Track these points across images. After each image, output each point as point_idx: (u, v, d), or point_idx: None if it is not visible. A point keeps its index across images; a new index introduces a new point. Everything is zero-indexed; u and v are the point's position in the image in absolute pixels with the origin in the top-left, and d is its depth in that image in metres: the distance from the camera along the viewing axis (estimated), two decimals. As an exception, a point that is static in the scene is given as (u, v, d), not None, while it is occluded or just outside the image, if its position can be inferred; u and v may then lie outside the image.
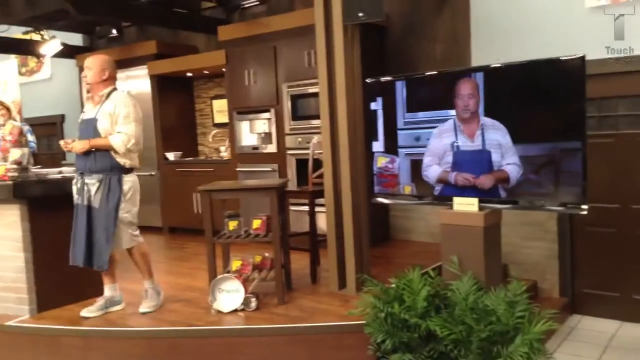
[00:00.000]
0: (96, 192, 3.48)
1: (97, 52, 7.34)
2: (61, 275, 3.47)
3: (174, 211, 6.47)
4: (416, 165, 3.53)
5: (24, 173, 3.78)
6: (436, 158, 3.35)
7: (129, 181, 3.60)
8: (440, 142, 3.32)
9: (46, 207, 3.63)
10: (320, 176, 4.09)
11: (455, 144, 3.26)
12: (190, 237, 6.08)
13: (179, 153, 6.58)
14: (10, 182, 3.64)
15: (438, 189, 3.38)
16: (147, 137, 6.62)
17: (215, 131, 6.71)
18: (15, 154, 3.87)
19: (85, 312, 3.59)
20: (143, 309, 3.64)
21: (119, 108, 3.53)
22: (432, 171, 3.38)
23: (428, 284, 3.00)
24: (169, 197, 6.51)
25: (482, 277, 3.05)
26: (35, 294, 3.71)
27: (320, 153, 4.03)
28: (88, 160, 3.49)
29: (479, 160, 3.19)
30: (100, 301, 3.66)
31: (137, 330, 3.43)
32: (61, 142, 3.53)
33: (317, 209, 4.22)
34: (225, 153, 6.31)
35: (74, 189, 3.56)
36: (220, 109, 6.70)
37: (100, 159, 3.49)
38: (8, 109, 5.05)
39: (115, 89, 3.63)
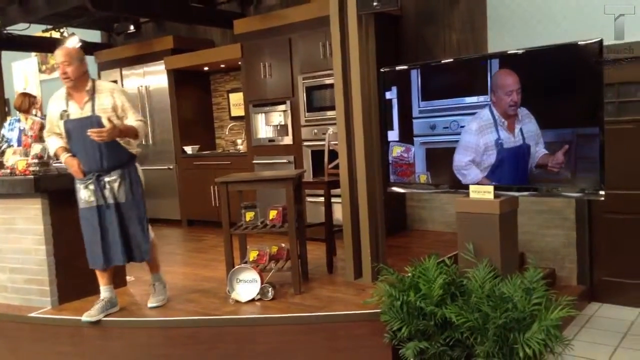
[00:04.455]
0: (119, 187, 3.40)
1: (115, 48, 7.45)
2: (82, 268, 3.52)
3: (192, 204, 6.54)
4: (432, 154, 3.51)
5: (44, 167, 3.83)
6: (472, 154, 3.25)
7: (141, 170, 3.58)
8: (479, 139, 3.19)
9: (67, 201, 3.68)
10: (336, 167, 4.10)
11: (500, 142, 3.14)
12: (208, 229, 6.15)
13: (197, 146, 6.63)
14: (32, 177, 3.71)
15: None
16: (165, 131, 6.76)
17: (231, 124, 6.75)
18: (37, 148, 3.93)
19: (86, 317, 3.46)
20: (152, 303, 3.63)
21: (119, 98, 3.39)
22: (472, 175, 3.26)
23: (444, 272, 2.99)
24: (187, 190, 6.58)
25: (498, 264, 3.03)
26: (56, 285, 3.78)
27: (336, 144, 4.03)
28: (102, 158, 3.34)
29: (520, 155, 3.07)
30: (99, 303, 3.52)
31: (156, 320, 3.48)
32: (93, 131, 3.17)
33: (333, 199, 4.23)
34: (241, 146, 6.35)
35: (86, 193, 3.39)
36: (236, 103, 6.74)
37: (114, 153, 3.37)
38: (30, 100, 5.10)
39: (93, 79, 3.44)
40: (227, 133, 6.77)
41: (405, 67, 3.61)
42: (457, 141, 3.33)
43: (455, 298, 2.89)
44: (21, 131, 4.58)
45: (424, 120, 3.54)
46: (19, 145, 4.30)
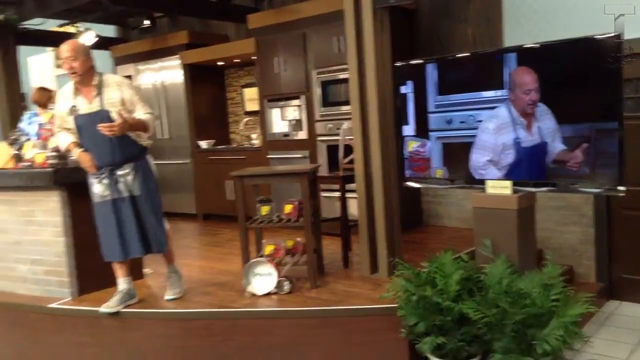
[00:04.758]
0: (134, 180, 3.41)
1: (130, 43, 7.48)
2: (100, 259, 3.56)
3: (208, 198, 6.58)
4: (448, 149, 3.50)
5: (63, 160, 3.87)
6: (490, 154, 3.22)
7: (153, 162, 3.60)
8: (497, 139, 3.17)
9: (85, 194, 3.70)
10: (351, 162, 4.10)
11: (518, 141, 3.11)
12: (224, 224, 6.18)
13: (212, 141, 6.66)
14: (50, 170, 3.76)
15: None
16: (180, 126, 6.80)
17: (246, 119, 6.77)
18: (55, 141, 3.97)
19: (104, 308, 3.50)
20: (169, 295, 3.66)
21: (127, 92, 3.38)
22: (490, 175, 3.24)
23: (461, 268, 2.99)
24: (202, 185, 6.62)
25: (515, 260, 3.02)
26: (75, 277, 3.83)
27: (351, 139, 4.03)
28: (114, 152, 3.34)
29: (538, 153, 3.05)
30: (117, 295, 3.56)
31: (173, 312, 3.52)
32: (104, 126, 3.18)
33: (348, 194, 4.23)
34: (256, 141, 6.36)
35: (100, 187, 3.41)
36: (251, 97, 6.75)
37: (126, 147, 3.37)
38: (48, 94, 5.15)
39: (100, 73, 3.43)
40: (241, 128, 6.79)
41: (421, 61, 3.60)
42: (473, 136, 3.32)
43: (472, 294, 2.89)
44: (40, 125, 4.62)
45: (439, 114, 3.53)
46: (37, 139, 4.35)
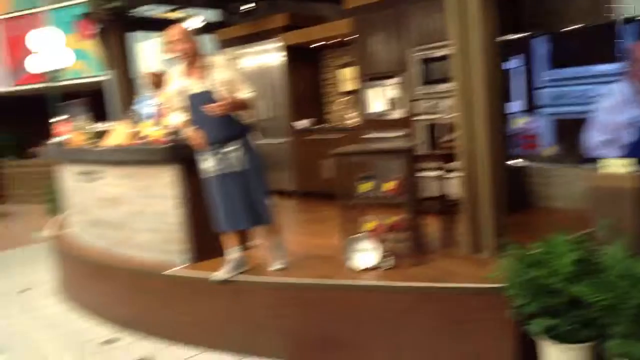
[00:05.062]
0: (239, 156, 3.60)
1: (232, 27, 7.76)
2: (213, 230, 3.79)
3: (304, 177, 6.74)
4: (559, 126, 3.36)
5: (177, 137, 4.13)
6: (608, 133, 3.07)
7: (258, 139, 3.73)
8: (615, 116, 3.01)
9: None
10: (451, 140, 4.03)
11: (638, 119, 2.94)
12: (321, 202, 6.29)
13: (309, 121, 6.80)
14: (167, 146, 4.03)
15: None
16: (279, 106, 6.99)
17: (343, 99, 6.83)
18: (171, 119, 4.23)
19: (215, 276, 3.72)
20: (274, 266, 3.81)
21: (231, 72, 3.56)
22: (606, 154, 3.08)
23: (574, 249, 2.87)
24: (299, 164, 6.78)
25: (634, 242, 2.86)
26: (190, 246, 4.10)
27: (451, 117, 3.96)
28: (222, 129, 3.53)
29: None
30: (228, 264, 3.76)
31: (279, 282, 3.67)
32: (209, 106, 3.39)
33: (447, 174, 4.18)
34: (353, 120, 6.41)
35: (209, 163, 3.62)
36: (348, 77, 6.80)
37: (231, 125, 3.55)
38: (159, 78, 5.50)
39: (207, 54, 3.60)
40: (338, 108, 6.87)
41: (528, 34, 3.45)
42: (587, 112, 3.15)
43: (586, 276, 2.77)
44: (153, 106, 4.96)
45: (549, 90, 3.39)
46: (152, 118, 4.66)
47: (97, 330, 4.49)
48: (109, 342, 4.22)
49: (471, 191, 3.76)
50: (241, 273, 3.78)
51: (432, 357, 3.26)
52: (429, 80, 5.24)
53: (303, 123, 6.79)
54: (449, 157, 4.04)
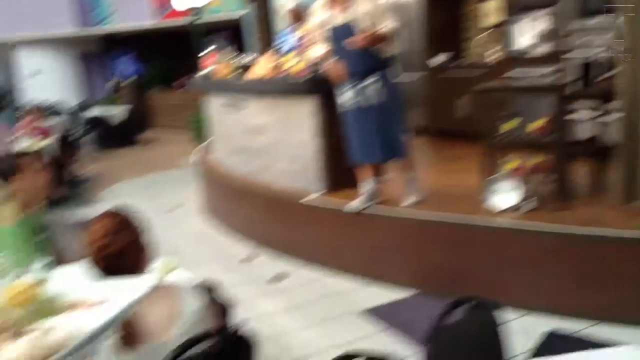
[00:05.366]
0: (378, 89, 3.58)
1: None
2: (348, 161, 3.89)
3: (440, 114, 6.52)
4: None
5: (318, 70, 4.20)
6: None
7: (398, 72, 3.69)
8: None
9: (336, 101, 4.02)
10: (608, 79, 3.67)
11: None
12: (457, 140, 6.05)
13: (445, 55, 6.53)
14: (307, 78, 4.13)
15: None
16: (414, 41, 6.77)
17: (484, 33, 6.44)
18: (312, 53, 4.31)
19: (349, 207, 3.84)
20: (407, 201, 3.80)
21: (376, 4, 3.49)
22: None
23: None
24: (436, 100, 6.56)
25: None
26: (326, 174, 4.24)
27: (610, 53, 3.58)
28: (363, 62, 3.53)
29: None
30: (362, 195, 3.83)
31: (410, 219, 3.70)
32: (350, 40, 3.44)
33: (602, 116, 3.83)
34: (495, 56, 6.05)
35: (347, 95, 3.66)
36: (490, 11, 6.37)
37: (372, 58, 3.53)
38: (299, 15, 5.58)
39: None
40: (478, 43, 6.50)
41: None
42: None
43: None
44: (295, 39, 5.07)
45: None
46: (295, 51, 4.77)
47: (239, 246, 4.90)
48: (249, 258, 4.59)
49: (629, 135, 3.44)
50: (375, 204, 3.85)
51: (574, 303, 3.14)
52: (584, 13, 4.75)
53: (439, 58, 6.54)
54: (604, 98, 3.69)
